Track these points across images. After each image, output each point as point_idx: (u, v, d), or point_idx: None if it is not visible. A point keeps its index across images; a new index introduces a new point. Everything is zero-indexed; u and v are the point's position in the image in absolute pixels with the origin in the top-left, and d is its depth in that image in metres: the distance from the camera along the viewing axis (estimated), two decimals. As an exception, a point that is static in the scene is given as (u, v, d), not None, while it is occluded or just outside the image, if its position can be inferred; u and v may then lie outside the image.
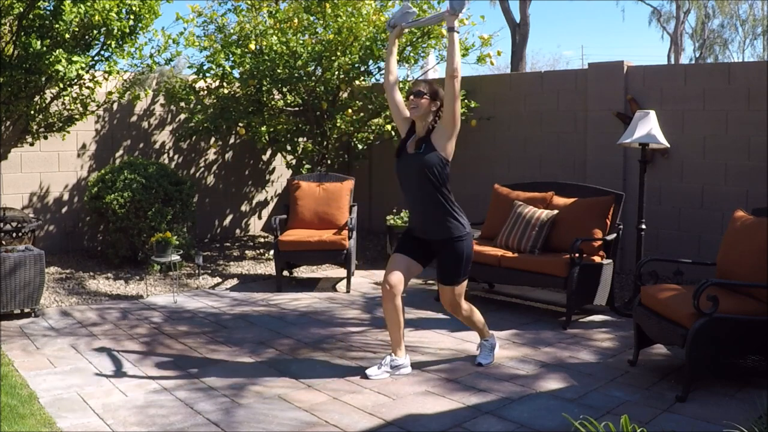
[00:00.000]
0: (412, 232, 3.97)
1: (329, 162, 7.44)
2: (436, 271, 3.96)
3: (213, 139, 7.98)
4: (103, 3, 5.58)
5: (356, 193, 6.98)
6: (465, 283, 3.93)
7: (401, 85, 7.26)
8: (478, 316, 4.14)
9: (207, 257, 7.16)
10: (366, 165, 8.62)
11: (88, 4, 5.53)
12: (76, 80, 5.94)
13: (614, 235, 5.18)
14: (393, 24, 3.93)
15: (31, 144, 6.58)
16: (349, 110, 7.23)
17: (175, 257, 5.72)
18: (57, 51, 5.40)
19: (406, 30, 6.76)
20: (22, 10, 5.38)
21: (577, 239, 4.90)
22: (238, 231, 8.63)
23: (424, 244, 3.91)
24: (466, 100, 7.39)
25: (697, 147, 6.09)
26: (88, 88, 6.32)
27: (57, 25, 5.44)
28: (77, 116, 6.47)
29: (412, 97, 3.76)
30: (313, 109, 7.26)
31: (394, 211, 7.31)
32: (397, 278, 3.83)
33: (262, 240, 8.40)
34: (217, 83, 7.33)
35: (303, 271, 6.76)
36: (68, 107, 6.46)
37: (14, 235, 5.96)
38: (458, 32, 3.71)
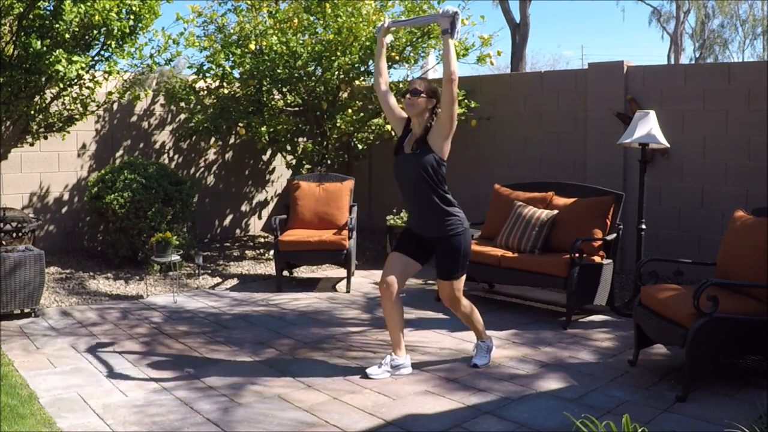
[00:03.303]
0: (410, 230, 3.98)
1: (329, 162, 7.44)
2: (436, 266, 3.95)
3: (213, 139, 7.98)
4: (103, 3, 5.58)
5: (356, 193, 6.98)
6: (463, 278, 3.92)
7: (401, 86, 7.26)
8: (477, 316, 4.11)
9: (207, 257, 7.16)
10: (366, 165, 8.62)
11: (88, 4, 5.54)
12: (76, 80, 5.94)
13: (614, 235, 5.18)
14: (381, 26, 3.93)
15: (31, 144, 6.59)
16: (349, 110, 7.23)
17: (175, 257, 5.72)
18: (57, 51, 5.40)
19: (402, 30, 6.80)
20: (22, 10, 5.38)
21: (577, 239, 4.90)
22: (238, 231, 8.63)
23: (421, 241, 3.92)
24: (466, 100, 7.39)
25: (697, 147, 6.09)
26: (88, 88, 6.32)
27: (57, 25, 5.44)
28: (77, 116, 6.48)
29: (408, 96, 3.76)
30: (313, 109, 7.26)
31: (394, 211, 7.31)
32: (393, 277, 3.84)
33: (262, 240, 8.40)
34: (217, 83, 7.33)
35: (303, 271, 6.76)
36: (68, 107, 6.46)
37: (14, 235, 5.96)
38: (452, 36, 3.69)
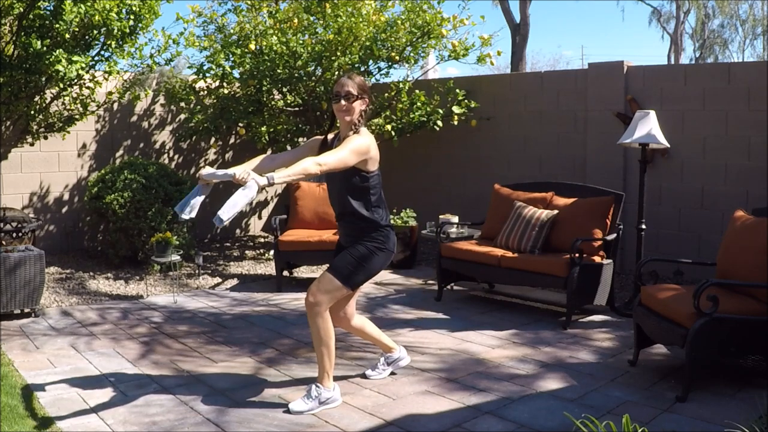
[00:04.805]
0: (338, 244, 3.67)
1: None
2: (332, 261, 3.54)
3: (213, 139, 7.98)
4: (103, 3, 5.58)
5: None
6: (341, 291, 3.42)
7: (401, 86, 7.27)
8: (329, 342, 3.43)
9: (207, 257, 7.16)
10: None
11: (88, 4, 5.54)
12: (76, 80, 5.94)
13: (614, 235, 5.18)
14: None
15: (31, 144, 6.59)
16: (349, 110, 7.21)
17: (175, 257, 5.72)
18: (57, 51, 5.40)
19: (401, 30, 6.80)
20: (22, 10, 5.38)
21: (577, 239, 4.90)
22: (238, 231, 8.63)
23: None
24: (466, 100, 7.40)
25: (697, 147, 6.09)
26: (88, 88, 6.33)
27: (57, 25, 5.44)
28: (77, 116, 6.48)
29: (342, 102, 3.39)
30: (313, 109, 7.26)
31: (394, 210, 7.31)
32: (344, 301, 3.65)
33: (262, 240, 8.40)
34: (217, 83, 7.33)
35: (303, 271, 6.75)
36: (68, 107, 6.47)
37: (14, 235, 5.96)
38: (265, 183, 3.10)
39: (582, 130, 6.81)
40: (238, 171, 3.12)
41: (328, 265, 3.53)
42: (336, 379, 3.86)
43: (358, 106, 3.44)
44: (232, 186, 3.16)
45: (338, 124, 3.58)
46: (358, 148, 3.32)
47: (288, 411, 3.41)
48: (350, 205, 3.43)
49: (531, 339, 4.63)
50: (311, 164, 3.15)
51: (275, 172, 3.21)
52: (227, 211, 3.02)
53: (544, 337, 4.67)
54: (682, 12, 30.73)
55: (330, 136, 3.66)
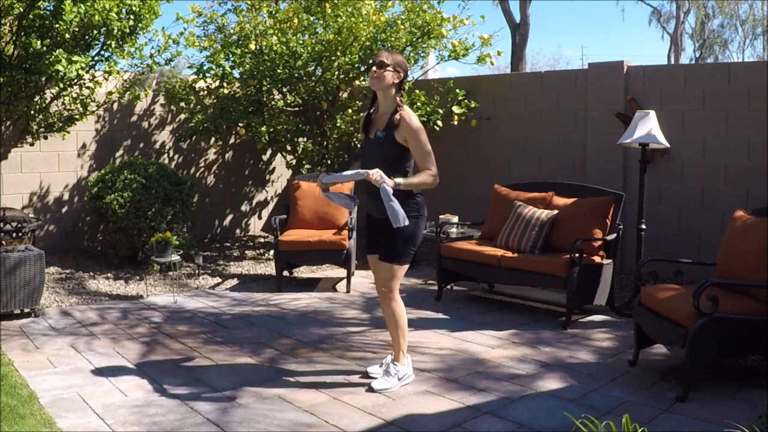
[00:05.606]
0: (368, 216, 3.85)
1: (329, 162, 7.44)
2: (381, 248, 3.75)
3: (213, 139, 7.98)
4: (103, 3, 5.59)
5: (356, 193, 6.98)
6: (404, 269, 3.71)
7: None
8: (404, 328, 3.77)
9: (207, 257, 7.16)
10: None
11: (88, 4, 5.54)
12: (76, 80, 5.94)
13: (614, 235, 5.18)
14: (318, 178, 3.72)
15: (31, 144, 6.59)
16: (349, 110, 7.23)
17: (175, 257, 5.72)
18: (57, 51, 5.40)
19: (401, 30, 6.81)
20: (22, 10, 5.38)
21: (577, 239, 4.90)
22: (238, 231, 8.63)
23: (379, 228, 3.73)
24: (466, 100, 7.40)
25: (697, 147, 6.09)
26: (88, 88, 6.33)
27: (57, 25, 5.45)
28: (77, 116, 6.48)
29: (374, 68, 3.61)
30: (313, 109, 7.26)
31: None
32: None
33: (262, 240, 8.40)
34: (217, 83, 7.33)
35: (303, 271, 6.76)
36: (68, 107, 6.47)
37: (14, 235, 5.96)
38: (392, 185, 3.47)
39: (582, 130, 6.81)
40: (370, 171, 3.44)
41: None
42: (336, 377, 3.87)
43: (390, 76, 3.63)
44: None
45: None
46: (423, 129, 3.64)
47: (371, 389, 3.65)
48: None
49: (531, 339, 4.63)
50: (429, 178, 3.57)
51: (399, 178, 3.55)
52: (399, 220, 3.44)
53: (544, 337, 4.67)
54: (682, 12, 30.74)
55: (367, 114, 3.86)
